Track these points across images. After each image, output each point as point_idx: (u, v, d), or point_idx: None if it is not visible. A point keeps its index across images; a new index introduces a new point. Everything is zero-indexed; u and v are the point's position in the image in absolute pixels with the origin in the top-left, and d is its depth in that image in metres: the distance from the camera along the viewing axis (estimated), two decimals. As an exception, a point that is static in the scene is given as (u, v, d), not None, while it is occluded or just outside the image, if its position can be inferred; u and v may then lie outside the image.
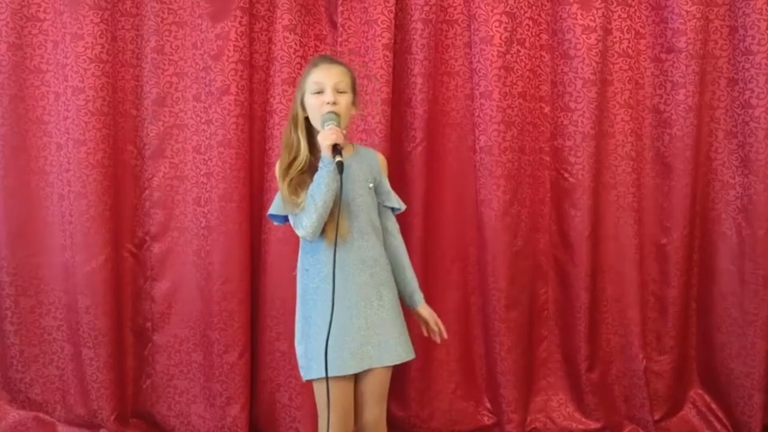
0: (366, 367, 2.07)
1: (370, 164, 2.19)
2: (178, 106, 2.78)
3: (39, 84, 2.76)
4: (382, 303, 2.10)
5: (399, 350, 2.10)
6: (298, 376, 2.72)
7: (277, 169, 2.13)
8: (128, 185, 2.81)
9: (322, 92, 2.06)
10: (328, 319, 1.99)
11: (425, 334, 2.26)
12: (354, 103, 2.14)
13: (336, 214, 2.00)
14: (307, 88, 2.09)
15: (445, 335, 2.23)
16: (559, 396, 2.96)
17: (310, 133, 2.12)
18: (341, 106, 2.06)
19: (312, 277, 2.09)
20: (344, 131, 2.06)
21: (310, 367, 2.08)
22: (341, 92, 2.07)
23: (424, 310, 2.24)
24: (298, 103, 2.12)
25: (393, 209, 2.22)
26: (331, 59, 2.22)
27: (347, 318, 2.04)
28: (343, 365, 2.04)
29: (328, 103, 2.04)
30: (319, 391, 2.08)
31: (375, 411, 2.12)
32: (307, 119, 2.11)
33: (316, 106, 2.06)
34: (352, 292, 2.06)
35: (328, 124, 2.01)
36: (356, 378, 2.10)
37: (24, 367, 2.85)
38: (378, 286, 2.10)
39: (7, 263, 2.80)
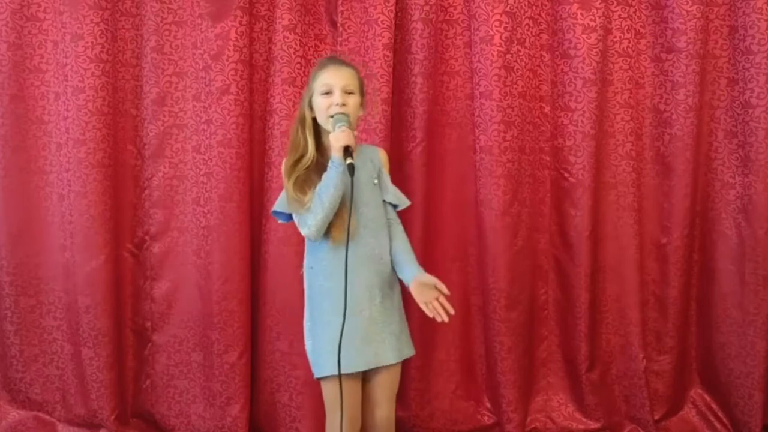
0: (374, 365, 2.08)
1: (372, 160, 2.20)
2: (178, 105, 2.78)
3: (39, 84, 2.76)
4: (385, 301, 2.11)
5: (402, 347, 2.13)
6: (298, 376, 2.75)
7: (283, 167, 2.14)
8: (128, 185, 2.81)
9: (330, 93, 2.07)
10: (338, 317, 1.99)
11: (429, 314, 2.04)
12: (361, 104, 2.15)
13: (347, 214, 2.01)
14: (315, 89, 2.10)
15: (451, 310, 2.02)
16: (559, 396, 2.96)
17: (318, 132, 2.13)
18: (350, 107, 2.08)
19: (317, 275, 2.11)
20: (355, 133, 2.07)
21: (319, 364, 2.08)
22: (349, 93, 2.09)
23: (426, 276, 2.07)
24: (306, 103, 2.13)
25: (393, 206, 2.20)
26: (341, 60, 2.23)
27: (350, 315, 2.03)
28: (352, 362, 2.04)
29: (336, 105, 2.05)
30: (328, 389, 2.08)
31: (386, 409, 2.13)
32: (314, 119, 2.12)
33: (324, 107, 2.08)
34: (357, 288, 2.06)
35: (340, 125, 2.02)
36: (365, 377, 2.11)
37: (24, 366, 2.85)
38: (382, 284, 2.11)
39: (7, 263, 2.80)
